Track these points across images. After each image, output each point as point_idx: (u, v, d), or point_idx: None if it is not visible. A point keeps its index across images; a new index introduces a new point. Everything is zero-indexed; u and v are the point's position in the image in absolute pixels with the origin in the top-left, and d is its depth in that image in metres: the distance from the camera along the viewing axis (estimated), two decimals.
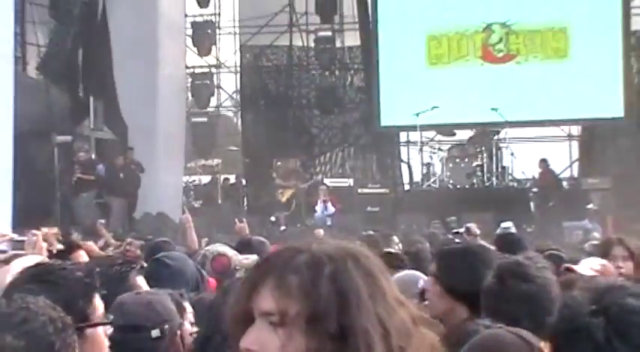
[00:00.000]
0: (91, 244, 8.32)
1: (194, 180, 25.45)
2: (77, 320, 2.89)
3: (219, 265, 6.10)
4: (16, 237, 6.34)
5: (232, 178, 25.61)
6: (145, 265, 4.69)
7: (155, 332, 3.54)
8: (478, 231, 10.43)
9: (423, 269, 5.98)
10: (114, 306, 3.69)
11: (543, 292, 3.66)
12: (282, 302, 2.07)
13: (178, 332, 3.64)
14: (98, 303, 3.41)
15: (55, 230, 10.18)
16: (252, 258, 6.06)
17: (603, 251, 6.26)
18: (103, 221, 17.15)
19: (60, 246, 6.60)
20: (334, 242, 2.20)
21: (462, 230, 11.04)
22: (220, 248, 6.57)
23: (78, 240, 7.63)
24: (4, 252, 8.02)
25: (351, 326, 2.06)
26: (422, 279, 5.19)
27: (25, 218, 16.76)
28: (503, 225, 15.57)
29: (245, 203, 23.91)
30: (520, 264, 3.84)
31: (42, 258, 4.74)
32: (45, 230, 8.91)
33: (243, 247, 7.36)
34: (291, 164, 23.41)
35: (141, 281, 4.24)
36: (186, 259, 5.55)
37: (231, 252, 6.44)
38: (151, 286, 4.33)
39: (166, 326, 3.59)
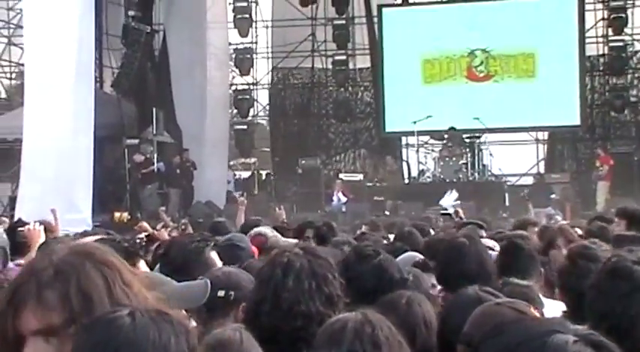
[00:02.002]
0: (163, 232, 8.42)
1: (235, 175, 25.52)
2: None
3: (257, 242, 5.86)
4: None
5: (264, 174, 25.65)
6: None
7: (221, 293, 3.42)
8: (463, 215, 10.54)
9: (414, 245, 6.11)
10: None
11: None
12: (46, 317, 1.94)
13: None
14: (142, 267, 3.53)
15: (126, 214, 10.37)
16: (291, 241, 5.85)
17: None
18: (163, 208, 17.31)
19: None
20: (71, 247, 2.07)
21: (451, 211, 11.14)
22: (262, 229, 6.39)
23: (155, 232, 7.66)
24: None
25: None
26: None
27: (101, 204, 17.03)
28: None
29: (274, 194, 23.96)
30: (587, 246, 3.78)
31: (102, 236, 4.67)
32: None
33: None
34: (313, 162, 23.44)
35: (214, 255, 4.13)
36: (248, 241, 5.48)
37: (271, 234, 6.22)
38: (227, 263, 4.18)
39: (231, 293, 3.46)
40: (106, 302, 1.97)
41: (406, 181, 24.09)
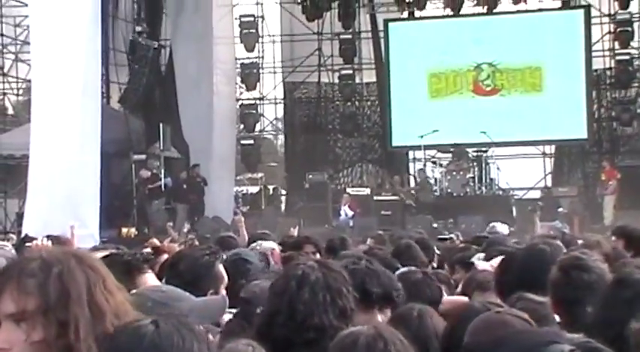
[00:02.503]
0: (174, 245, 8.43)
1: (242, 190, 25.51)
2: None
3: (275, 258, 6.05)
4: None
5: (271, 188, 25.64)
6: (224, 256, 4.57)
7: (258, 310, 3.44)
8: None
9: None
10: None
11: (601, 280, 3.53)
12: (22, 301, 2.02)
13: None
14: (151, 280, 3.52)
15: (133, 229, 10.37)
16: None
17: None
18: (170, 223, 17.32)
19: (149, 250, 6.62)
20: (61, 248, 2.14)
21: (447, 236, 11.03)
22: (271, 244, 6.52)
23: (163, 246, 7.68)
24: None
25: (69, 315, 2.04)
26: None
27: (108, 220, 17.01)
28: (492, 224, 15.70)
29: (284, 207, 23.94)
30: (579, 257, 3.76)
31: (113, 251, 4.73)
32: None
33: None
34: (320, 176, 23.41)
35: (221, 268, 4.13)
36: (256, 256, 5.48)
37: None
38: (234, 278, 4.22)
39: None
40: (84, 300, 2.05)
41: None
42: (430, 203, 21.58)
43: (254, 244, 6.50)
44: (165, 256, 6.19)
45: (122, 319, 2.09)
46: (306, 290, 2.99)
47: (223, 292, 3.85)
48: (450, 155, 22.57)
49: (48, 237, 6.46)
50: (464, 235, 12.60)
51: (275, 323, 2.97)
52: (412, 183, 24.47)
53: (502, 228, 15.41)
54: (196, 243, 11.14)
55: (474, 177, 21.64)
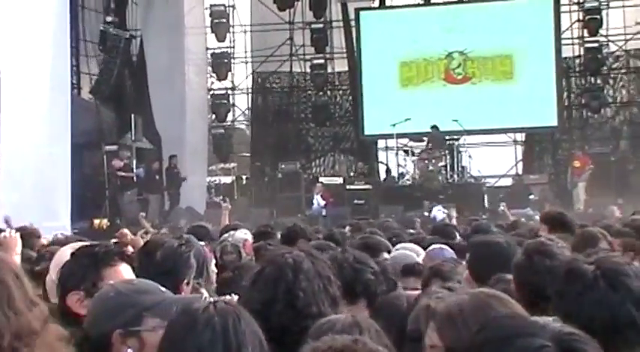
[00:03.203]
0: (138, 239, 8.39)
1: (215, 180, 25.44)
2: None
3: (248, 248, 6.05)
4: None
5: (244, 179, 25.59)
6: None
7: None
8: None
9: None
10: None
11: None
12: None
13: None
14: (125, 272, 3.50)
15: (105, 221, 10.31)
16: None
17: None
18: (143, 214, 17.19)
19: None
20: None
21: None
22: (240, 235, 6.42)
23: (127, 240, 7.61)
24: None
25: None
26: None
27: (80, 211, 16.88)
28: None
29: (253, 198, 23.88)
30: (544, 243, 3.81)
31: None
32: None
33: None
34: (292, 166, 23.38)
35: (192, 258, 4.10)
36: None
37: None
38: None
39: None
40: None
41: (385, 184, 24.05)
42: (438, 190, 21.18)
43: (226, 235, 6.43)
44: (130, 249, 6.17)
45: (25, 339, 1.97)
46: (302, 278, 2.98)
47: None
48: (421, 143, 22.61)
49: (17, 229, 6.37)
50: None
51: (272, 312, 2.94)
52: (382, 172, 24.54)
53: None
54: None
55: (445, 166, 21.68)
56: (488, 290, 2.80)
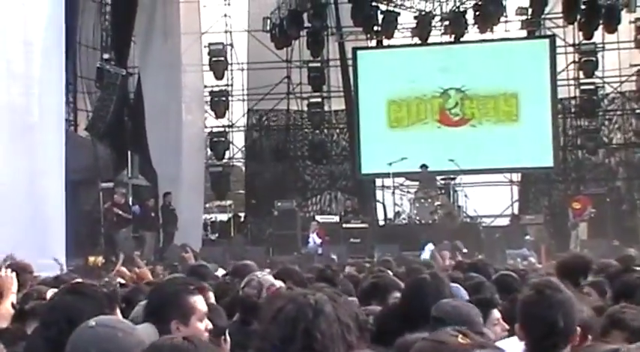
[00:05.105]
0: (145, 270, 8.40)
1: (211, 217, 25.38)
2: None
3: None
4: None
5: (242, 216, 25.50)
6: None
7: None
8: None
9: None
10: None
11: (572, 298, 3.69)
12: None
13: None
14: (119, 314, 3.50)
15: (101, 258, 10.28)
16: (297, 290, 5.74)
17: None
18: (138, 253, 17.12)
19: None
20: None
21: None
22: (268, 278, 5.95)
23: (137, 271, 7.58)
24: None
25: None
26: None
27: (75, 248, 16.76)
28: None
29: (250, 236, 23.78)
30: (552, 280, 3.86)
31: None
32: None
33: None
34: (288, 204, 23.28)
35: (199, 300, 3.99)
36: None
37: (278, 283, 5.92)
38: None
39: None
40: None
41: (382, 223, 23.98)
42: (454, 229, 20.79)
43: (257, 273, 6.04)
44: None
45: None
46: (321, 319, 2.90)
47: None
48: (417, 183, 22.57)
49: (8, 265, 6.31)
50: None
51: (289, 351, 2.89)
52: (380, 212, 24.45)
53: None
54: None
55: (441, 205, 21.61)
56: None
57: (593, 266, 6.78)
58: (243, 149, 27.21)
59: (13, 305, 5.26)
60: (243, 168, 28.16)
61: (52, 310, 3.49)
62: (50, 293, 4.27)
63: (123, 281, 7.82)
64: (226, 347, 4.10)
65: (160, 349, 2.63)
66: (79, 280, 4.50)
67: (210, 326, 3.81)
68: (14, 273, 5.85)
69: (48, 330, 3.35)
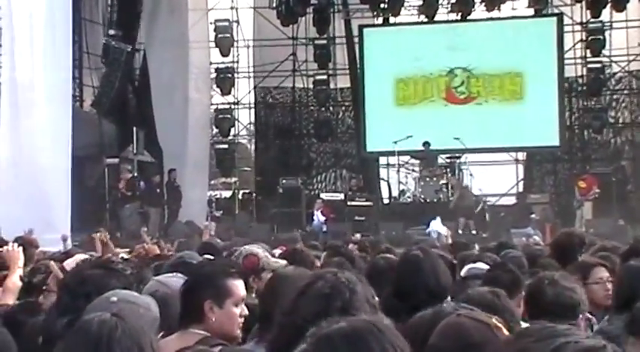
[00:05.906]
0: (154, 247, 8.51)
1: (216, 194, 25.39)
2: None
3: (249, 263, 5.54)
4: None
5: (244, 193, 25.50)
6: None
7: None
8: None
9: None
10: None
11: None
12: None
13: None
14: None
15: (105, 233, 10.34)
16: (281, 262, 5.53)
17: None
18: (145, 228, 17.15)
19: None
20: None
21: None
22: (254, 249, 5.85)
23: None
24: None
25: None
26: None
27: (81, 224, 16.82)
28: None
29: (255, 213, 23.79)
30: None
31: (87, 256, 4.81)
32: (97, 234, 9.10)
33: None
34: (293, 181, 23.27)
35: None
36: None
37: (262, 254, 5.72)
38: None
39: None
40: None
41: (386, 201, 23.97)
42: (469, 207, 20.90)
43: (242, 251, 5.87)
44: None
45: None
46: (355, 298, 2.96)
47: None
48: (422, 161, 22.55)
49: (14, 240, 6.37)
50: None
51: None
52: (385, 190, 24.44)
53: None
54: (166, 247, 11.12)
55: (447, 183, 21.61)
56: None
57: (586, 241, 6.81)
58: (250, 126, 27.18)
59: (21, 278, 5.31)
60: (248, 146, 28.15)
61: (83, 283, 3.53)
62: (70, 265, 4.28)
63: (126, 257, 7.86)
64: None
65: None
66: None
67: (245, 312, 3.69)
68: (21, 247, 5.89)
69: (76, 301, 3.38)
